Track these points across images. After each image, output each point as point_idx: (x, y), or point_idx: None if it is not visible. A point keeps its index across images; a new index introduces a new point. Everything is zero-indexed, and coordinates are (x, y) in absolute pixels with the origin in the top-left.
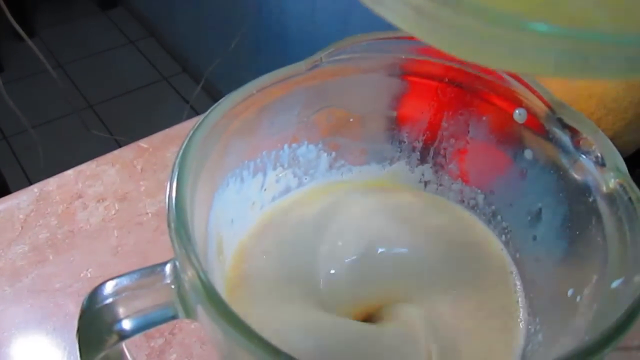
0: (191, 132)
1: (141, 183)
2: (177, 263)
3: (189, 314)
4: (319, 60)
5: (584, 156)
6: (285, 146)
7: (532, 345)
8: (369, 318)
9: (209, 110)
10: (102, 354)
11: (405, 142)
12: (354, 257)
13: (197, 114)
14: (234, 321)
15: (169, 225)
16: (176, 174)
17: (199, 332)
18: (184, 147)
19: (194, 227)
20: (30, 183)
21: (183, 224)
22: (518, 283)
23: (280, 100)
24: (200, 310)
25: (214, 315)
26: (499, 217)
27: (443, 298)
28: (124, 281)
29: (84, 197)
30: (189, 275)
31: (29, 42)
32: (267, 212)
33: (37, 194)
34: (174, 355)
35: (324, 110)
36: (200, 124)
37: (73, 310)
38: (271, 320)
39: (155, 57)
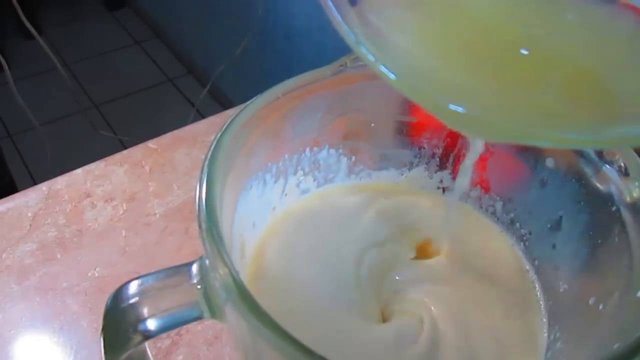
0: (219, 134)
1: (149, 184)
2: (208, 262)
3: (215, 314)
4: (344, 64)
5: (607, 165)
6: (307, 150)
7: (552, 352)
8: (388, 314)
9: (236, 113)
10: (126, 354)
11: (425, 148)
12: (371, 256)
13: (203, 116)
14: (266, 320)
15: (199, 226)
16: (206, 175)
17: (205, 333)
18: (212, 148)
19: (222, 228)
20: (35, 181)
21: (214, 223)
22: (537, 287)
23: (305, 104)
24: (229, 309)
25: (245, 314)
26: (517, 224)
27: (460, 301)
28: (149, 280)
29: (92, 196)
30: (220, 273)
31: (39, 40)
32: (282, 212)
33: (46, 192)
34: (181, 356)
35: (346, 115)
36: (228, 126)
37: (80, 310)
38: (290, 324)
39: (160, 58)
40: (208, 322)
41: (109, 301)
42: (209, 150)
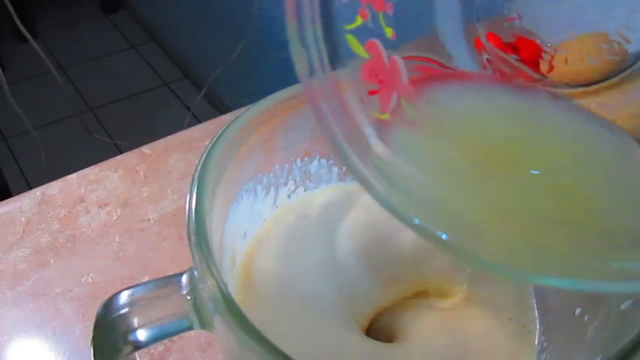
0: (210, 145)
1: (143, 189)
2: (196, 273)
3: (205, 325)
4: None
5: None
6: (298, 160)
7: None
8: (382, 318)
9: (227, 124)
10: None
11: None
12: (361, 257)
13: (199, 121)
14: (253, 333)
15: (188, 238)
16: (196, 186)
17: (198, 339)
18: (203, 159)
19: (212, 239)
20: (29, 185)
21: (204, 235)
22: (532, 294)
23: (296, 115)
24: (217, 321)
25: (233, 326)
26: None
27: (457, 301)
28: (140, 291)
29: (86, 201)
30: (208, 285)
31: (34, 43)
32: (271, 219)
33: (40, 197)
34: None
35: None
36: (219, 137)
37: (73, 315)
38: (279, 334)
39: (156, 62)
40: None
41: (100, 311)
42: (199, 162)
